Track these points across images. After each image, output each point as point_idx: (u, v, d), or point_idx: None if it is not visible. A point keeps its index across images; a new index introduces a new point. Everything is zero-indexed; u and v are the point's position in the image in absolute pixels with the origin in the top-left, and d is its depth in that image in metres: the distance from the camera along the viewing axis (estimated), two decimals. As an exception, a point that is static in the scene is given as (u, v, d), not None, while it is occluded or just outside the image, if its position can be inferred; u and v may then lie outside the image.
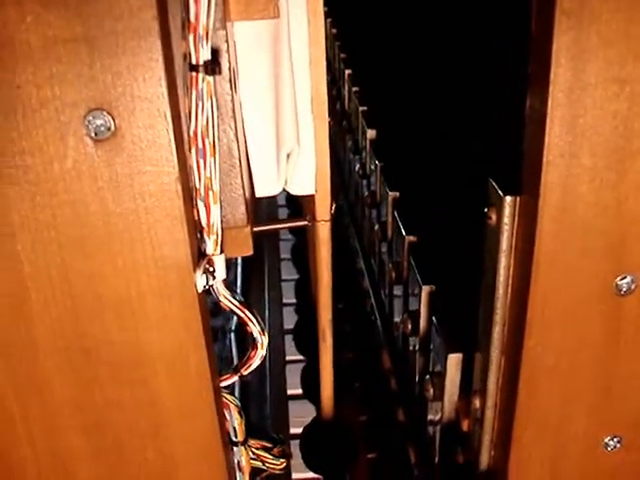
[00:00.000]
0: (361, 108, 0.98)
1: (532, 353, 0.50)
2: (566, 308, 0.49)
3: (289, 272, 1.26)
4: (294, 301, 1.19)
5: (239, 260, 1.20)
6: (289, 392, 1.00)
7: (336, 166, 1.22)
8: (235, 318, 0.97)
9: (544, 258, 0.47)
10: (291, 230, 1.30)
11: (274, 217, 1.34)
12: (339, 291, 0.92)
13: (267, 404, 0.97)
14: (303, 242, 1.25)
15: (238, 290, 1.16)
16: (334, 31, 1.26)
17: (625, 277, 0.49)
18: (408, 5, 0.92)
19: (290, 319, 1.14)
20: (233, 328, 1.06)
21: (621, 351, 0.51)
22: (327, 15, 1.32)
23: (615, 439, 0.55)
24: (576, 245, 0.47)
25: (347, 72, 1.10)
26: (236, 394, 0.93)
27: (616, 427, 0.55)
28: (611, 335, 0.51)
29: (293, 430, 0.94)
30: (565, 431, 0.54)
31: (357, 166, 1.00)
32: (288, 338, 1.10)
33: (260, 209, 1.30)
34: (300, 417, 0.94)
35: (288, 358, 1.06)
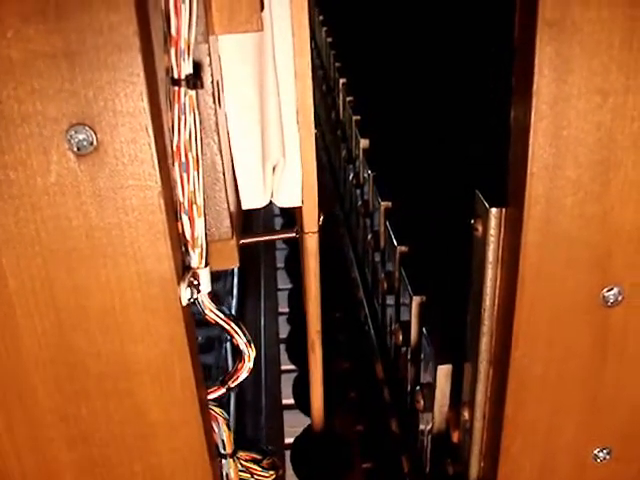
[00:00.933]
0: (354, 117, 0.98)
1: (519, 364, 0.50)
2: (553, 319, 0.49)
3: (285, 282, 1.26)
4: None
5: (235, 269, 1.20)
6: (284, 402, 1.00)
7: (332, 175, 1.22)
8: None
9: (529, 269, 0.47)
10: (284, 240, 1.30)
11: (270, 226, 1.34)
12: (335, 300, 0.92)
13: (262, 414, 0.97)
14: (296, 252, 1.24)
15: (234, 299, 1.16)
16: (330, 40, 1.26)
17: (612, 289, 0.48)
18: (403, 15, 0.92)
19: (286, 328, 1.14)
20: (229, 337, 1.06)
21: (609, 362, 0.51)
22: (323, 24, 1.32)
23: (604, 450, 0.55)
24: (561, 256, 0.47)
25: (341, 81, 1.10)
26: (231, 403, 0.93)
27: (605, 438, 0.54)
28: (598, 346, 0.51)
29: (288, 440, 0.94)
30: (554, 442, 0.54)
31: (351, 175, 1.00)
32: (284, 348, 1.10)
33: (256, 218, 1.31)
34: (295, 427, 0.94)
35: (283, 368, 1.06)
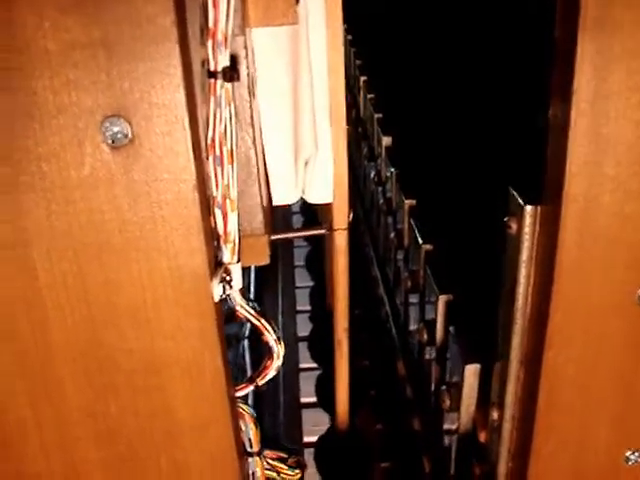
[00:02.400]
0: (376, 115, 0.97)
1: (552, 364, 0.50)
2: (587, 319, 0.48)
3: (303, 279, 1.26)
4: (308, 308, 1.18)
5: (252, 267, 1.19)
6: (302, 400, 0.99)
7: (352, 173, 1.21)
8: (249, 325, 0.97)
9: (566, 268, 0.46)
10: (305, 237, 1.29)
11: (288, 225, 1.33)
12: (355, 298, 0.91)
13: (280, 412, 0.97)
14: (318, 249, 1.24)
15: (251, 297, 1.15)
16: (350, 37, 1.26)
17: (648, 288, 0.48)
18: (424, 12, 0.92)
19: (303, 327, 1.13)
20: (247, 334, 1.06)
21: (643, 363, 0.51)
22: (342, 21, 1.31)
23: (636, 453, 0.54)
24: (598, 256, 0.46)
25: (362, 79, 1.09)
26: (249, 401, 0.93)
27: (638, 441, 0.54)
28: (632, 346, 0.50)
29: (306, 439, 0.93)
30: (586, 444, 0.53)
31: (372, 173, 1.00)
32: (302, 345, 1.09)
33: (275, 216, 1.30)
34: (314, 426, 0.94)
35: (301, 366, 1.05)
